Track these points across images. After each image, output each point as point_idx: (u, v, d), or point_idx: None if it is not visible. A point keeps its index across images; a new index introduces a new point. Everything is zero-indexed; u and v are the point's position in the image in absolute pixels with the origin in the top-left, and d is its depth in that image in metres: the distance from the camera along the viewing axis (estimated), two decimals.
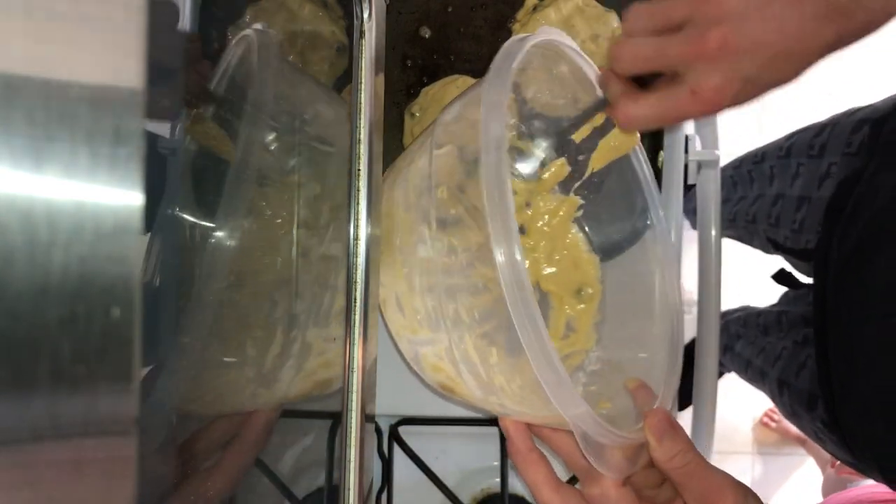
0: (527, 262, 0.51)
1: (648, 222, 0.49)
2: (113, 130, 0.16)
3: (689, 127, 0.63)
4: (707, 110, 0.36)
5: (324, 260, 0.47)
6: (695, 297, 0.63)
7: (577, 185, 0.52)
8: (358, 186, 0.39)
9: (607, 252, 0.53)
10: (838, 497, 0.84)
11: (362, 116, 0.39)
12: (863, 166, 0.60)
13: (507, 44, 0.39)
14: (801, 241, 0.70)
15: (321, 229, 0.47)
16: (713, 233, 0.62)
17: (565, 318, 0.51)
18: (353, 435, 0.37)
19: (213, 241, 0.38)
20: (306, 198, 0.47)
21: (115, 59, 0.17)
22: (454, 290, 0.38)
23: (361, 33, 0.39)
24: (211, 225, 0.39)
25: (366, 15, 0.39)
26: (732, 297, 0.89)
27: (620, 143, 0.49)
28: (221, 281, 0.37)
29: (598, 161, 0.50)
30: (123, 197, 0.17)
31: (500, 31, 0.60)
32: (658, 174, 0.58)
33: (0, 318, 0.15)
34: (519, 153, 0.52)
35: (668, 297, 0.47)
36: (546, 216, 0.53)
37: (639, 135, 0.49)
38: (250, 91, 0.40)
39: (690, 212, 1.02)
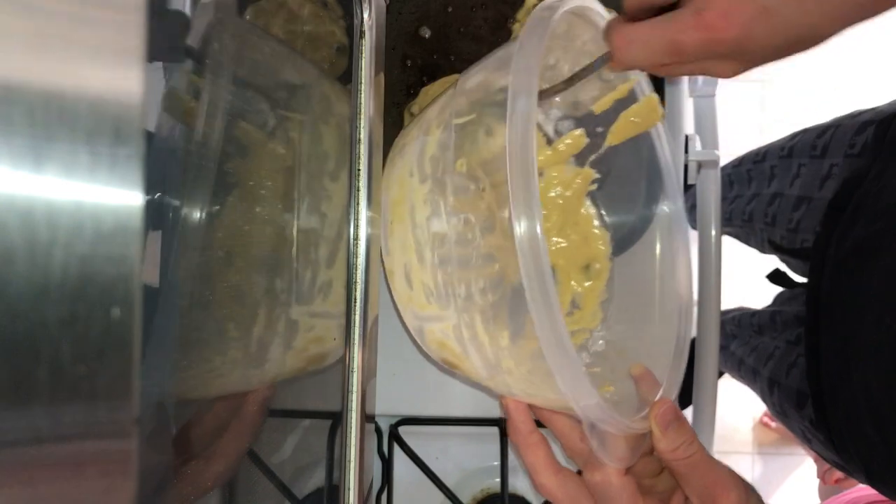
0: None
1: (665, 209, 0.48)
2: (113, 130, 0.16)
3: (688, 127, 0.63)
4: (710, 36, 0.31)
5: (301, 234, 0.46)
6: (695, 297, 0.63)
7: (593, 157, 0.49)
8: (358, 186, 0.39)
9: (620, 242, 0.51)
10: (837, 500, 0.84)
11: (362, 116, 0.39)
12: (867, 166, 0.60)
13: (537, 9, 0.36)
14: (798, 240, 0.70)
15: (295, 202, 0.46)
16: (713, 233, 0.62)
17: (571, 295, 0.50)
18: (353, 435, 0.37)
19: (180, 219, 0.37)
20: (276, 170, 0.47)
21: (116, 59, 0.17)
22: (467, 271, 0.37)
23: (361, 33, 0.39)
24: (176, 202, 0.39)
25: (366, 15, 0.39)
26: (730, 298, 0.89)
27: (642, 119, 0.45)
28: (191, 261, 0.37)
29: (616, 135, 0.47)
30: (123, 197, 0.17)
31: (500, 31, 0.60)
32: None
33: (0, 318, 0.15)
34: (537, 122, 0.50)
35: (679, 287, 0.46)
36: (559, 187, 0.50)
37: (662, 110, 0.45)
38: (209, 54, 0.39)
39: (688, 210, 1.02)
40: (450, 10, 0.60)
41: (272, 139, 0.46)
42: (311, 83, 0.49)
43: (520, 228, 0.30)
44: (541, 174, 0.50)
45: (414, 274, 0.41)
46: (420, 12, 0.60)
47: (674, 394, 0.42)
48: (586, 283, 0.50)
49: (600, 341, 0.49)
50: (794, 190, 0.72)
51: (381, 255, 0.44)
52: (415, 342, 0.46)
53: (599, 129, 0.48)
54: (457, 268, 0.38)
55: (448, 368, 0.44)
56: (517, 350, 0.37)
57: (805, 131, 0.75)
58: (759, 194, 0.79)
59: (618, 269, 0.50)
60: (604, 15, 0.42)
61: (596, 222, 0.51)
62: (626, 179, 0.50)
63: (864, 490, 0.83)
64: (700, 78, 0.61)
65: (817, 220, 0.66)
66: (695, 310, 0.63)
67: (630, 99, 0.46)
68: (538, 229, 0.30)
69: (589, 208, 0.51)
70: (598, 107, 0.47)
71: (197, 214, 0.37)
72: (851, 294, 0.56)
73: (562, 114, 0.50)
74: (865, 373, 0.52)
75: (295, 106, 0.48)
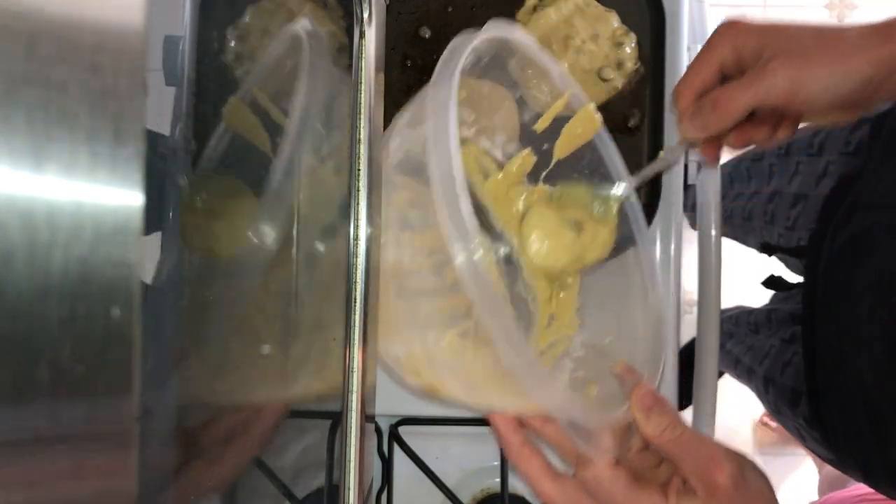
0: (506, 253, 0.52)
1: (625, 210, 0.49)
2: (113, 130, 0.16)
3: None
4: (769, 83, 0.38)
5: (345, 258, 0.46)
6: (695, 297, 0.63)
7: (544, 174, 0.51)
8: (358, 186, 0.39)
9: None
10: (841, 494, 0.84)
11: (362, 116, 0.39)
12: (862, 164, 0.60)
13: (454, 40, 0.39)
14: (794, 238, 0.70)
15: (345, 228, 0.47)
16: (713, 233, 0.62)
17: (550, 311, 0.51)
18: (353, 435, 0.37)
19: (248, 242, 0.38)
20: (334, 201, 0.47)
21: (116, 58, 0.17)
22: (425, 292, 0.38)
23: (361, 33, 0.39)
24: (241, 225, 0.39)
25: (366, 15, 0.39)
26: (730, 298, 0.89)
27: (584, 130, 0.48)
28: (252, 280, 0.37)
29: (562, 149, 0.49)
30: (123, 197, 0.17)
31: None
32: (658, 174, 0.58)
33: (0, 318, 0.15)
34: (484, 149, 0.52)
35: (648, 282, 0.48)
36: (518, 206, 0.52)
37: (600, 118, 0.48)
38: (298, 95, 0.40)
39: (689, 209, 1.02)
40: (450, 10, 0.60)
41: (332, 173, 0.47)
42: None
43: (458, 257, 0.32)
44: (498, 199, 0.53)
45: (383, 302, 0.42)
46: (420, 12, 0.60)
47: (656, 381, 0.43)
48: (560, 295, 0.51)
49: (581, 346, 0.50)
50: (792, 188, 0.72)
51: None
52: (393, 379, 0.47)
53: (545, 146, 0.50)
54: (415, 294, 0.39)
55: (432, 397, 0.45)
56: (484, 361, 0.38)
57: (802, 128, 0.75)
58: (759, 192, 0.79)
59: (587, 273, 0.52)
60: (523, 39, 0.45)
61: None
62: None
63: (865, 487, 0.83)
64: None
65: (812, 218, 0.66)
66: (693, 310, 0.63)
67: (569, 113, 0.48)
68: (475, 256, 0.32)
69: None
70: (540, 125, 0.49)
71: (261, 238, 0.39)
72: (845, 289, 0.56)
73: (506, 137, 0.52)
74: (859, 367, 0.53)
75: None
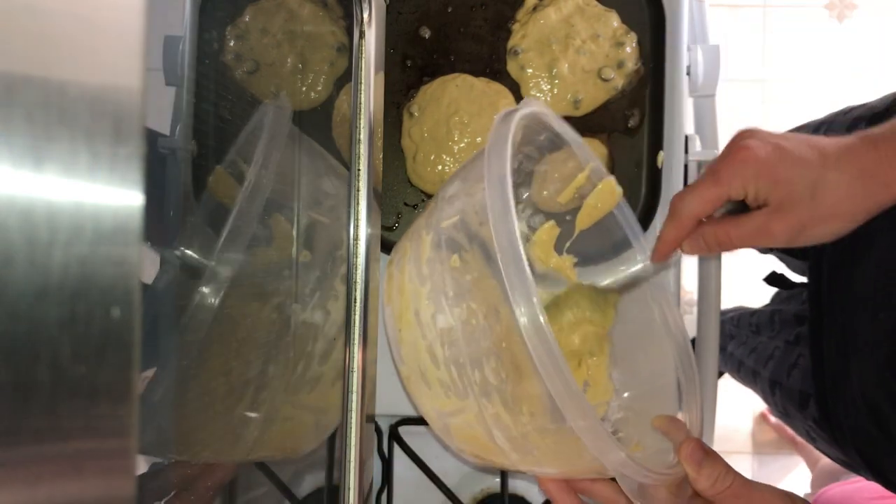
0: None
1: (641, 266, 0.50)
2: (113, 130, 0.16)
3: (688, 127, 0.63)
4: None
5: (304, 326, 0.47)
6: (695, 297, 0.63)
7: (568, 244, 0.53)
8: (358, 186, 0.39)
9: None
10: (840, 486, 0.84)
11: (362, 116, 0.39)
12: None
13: (498, 117, 0.40)
14: None
15: (306, 297, 0.48)
16: None
17: (584, 378, 0.53)
18: (353, 435, 0.37)
19: (201, 291, 0.39)
20: (294, 264, 0.48)
21: (116, 58, 0.17)
22: (478, 355, 0.39)
23: (361, 33, 0.39)
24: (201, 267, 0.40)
25: (365, 15, 0.39)
26: (730, 298, 0.89)
27: (603, 203, 0.50)
28: (200, 330, 0.38)
29: (584, 221, 0.52)
30: (123, 197, 0.17)
31: (500, 31, 0.60)
32: (658, 174, 0.58)
33: (0, 318, 0.15)
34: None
35: (670, 325, 0.49)
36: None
37: (621, 191, 0.49)
38: (254, 165, 0.41)
39: None
40: (450, 10, 0.60)
41: (297, 237, 0.48)
42: (342, 193, 0.50)
43: (523, 318, 0.32)
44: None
45: (430, 374, 0.42)
46: (420, 12, 0.60)
47: (697, 427, 0.43)
48: (591, 360, 0.52)
49: (618, 409, 0.51)
50: None
51: (396, 365, 0.45)
52: (444, 445, 0.47)
53: (568, 218, 0.52)
54: (468, 357, 0.39)
55: (481, 463, 0.45)
56: (539, 424, 0.38)
57: (798, 129, 0.75)
58: None
59: (613, 333, 0.53)
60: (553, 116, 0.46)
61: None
62: (601, 252, 0.53)
63: (855, 482, 0.83)
64: (700, 78, 0.61)
65: None
66: (692, 311, 0.63)
67: (588, 187, 0.50)
68: (539, 315, 0.32)
69: None
70: (563, 198, 0.51)
71: (213, 289, 0.40)
72: (848, 290, 0.56)
73: (532, 210, 0.54)
74: (862, 368, 0.53)
75: (322, 209, 0.50)
